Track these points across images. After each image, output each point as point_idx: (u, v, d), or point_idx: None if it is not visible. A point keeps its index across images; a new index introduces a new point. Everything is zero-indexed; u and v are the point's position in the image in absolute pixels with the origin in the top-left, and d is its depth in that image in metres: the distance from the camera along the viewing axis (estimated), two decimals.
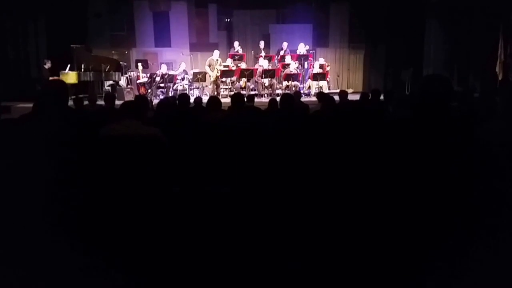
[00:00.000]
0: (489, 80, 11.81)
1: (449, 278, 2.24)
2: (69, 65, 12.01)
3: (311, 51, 14.71)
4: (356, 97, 9.07)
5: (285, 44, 14.08)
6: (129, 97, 11.64)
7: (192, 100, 7.47)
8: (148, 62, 13.78)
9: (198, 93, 12.57)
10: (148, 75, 13.10)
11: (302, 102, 8.25)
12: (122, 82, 12.93)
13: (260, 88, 12.79)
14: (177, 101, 6.25)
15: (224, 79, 12.82)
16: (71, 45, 12.31)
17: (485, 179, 2.29)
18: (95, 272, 2.63)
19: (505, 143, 2.56)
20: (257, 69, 12.90)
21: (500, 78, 11.63)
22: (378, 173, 2.61)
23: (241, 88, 12.58)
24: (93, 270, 2.62)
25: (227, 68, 12.87)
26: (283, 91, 12.19)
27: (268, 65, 13.19)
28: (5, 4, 11.90)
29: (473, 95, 6.65)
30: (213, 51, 13.24)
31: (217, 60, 12.89)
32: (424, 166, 2.34)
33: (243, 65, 13.22)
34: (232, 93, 11.10)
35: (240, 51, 13.86)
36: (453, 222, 2.25)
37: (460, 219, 2.24)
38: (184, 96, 6.41)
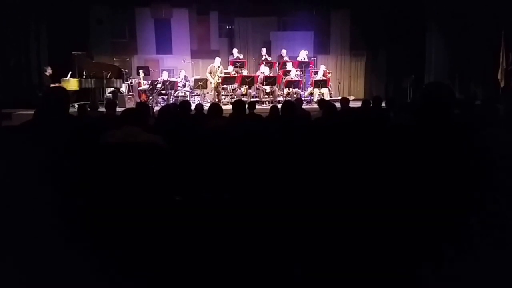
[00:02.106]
0: (491, 87, 11.80)
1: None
2: (70, 72, 12.03)
3: (312, 58, 14.74)
4: (358, 104, 9.09)
5: (284, 51, 14.13)
6: (130, 104, 11.66)
7: (193, 107, 7.48)
8: (150, 69, 13.81)
9: (199, 100, 12.58)
10: (149, 82, 13.12)
11: (303, 109, 8.26)
12: (124, 89, 12.95)
13: (262, 95, 12.80)
14: (178, 108, 6.26)
15: (225, 86, 12.85)
16: (73, 52, 12.34)
17: (486, 186, 2.28)
18: (96, 281, 2.62)
19: (507, 151, 2.55)
20: (258, 76, 12.92)
21: (502, 86, 11.62)
22: (380, 180, 2.59)
23: (242, 95, 12.58)
24: (93, 279, 2.61)
25: (228, 75, 12.90)
26: (284, 98, 12.21)
27: (270, 72, 13.21)
28: (7, 11, 11.94)
29: (474, 103, 6.64)
30: (214, 58, 13.28)
31: (218, 67, 12.92)
32: (426, 173, 2.33)
33: (244, 72, 13.25)
34: (233, 100, 11.11)
35: (240, 58, 13.90)
36: (454, 228, 2.24)
37: (461, 225, 2.23)
38: (185, 103, 6.42)
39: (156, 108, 9.85)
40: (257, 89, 12.90)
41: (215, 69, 12.85)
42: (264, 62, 13.65)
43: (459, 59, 13.09)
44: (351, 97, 13.17)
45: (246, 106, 6.16)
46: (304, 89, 13.66)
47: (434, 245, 2.25)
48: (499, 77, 11.72)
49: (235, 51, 14.08)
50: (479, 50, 12.25)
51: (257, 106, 8.73)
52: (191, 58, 15.03)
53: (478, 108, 6.03)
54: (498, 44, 11.70)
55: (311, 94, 13.30)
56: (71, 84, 11.69)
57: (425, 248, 2.27)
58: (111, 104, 7.46)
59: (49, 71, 11.93)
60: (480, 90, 12.21)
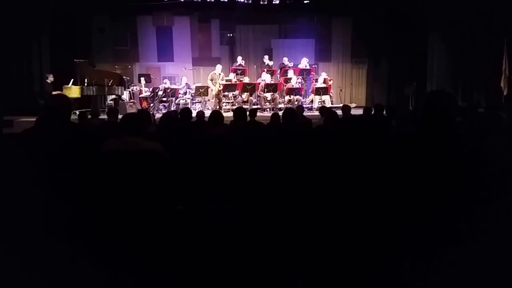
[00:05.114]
0: (494, 95, 11.77)
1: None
2: (72, 80, 12.06)
3: (313, 66, 14.76)
4: (359, 111, 9.08)
5: (285, 59, 14.19)
6: (132, 111, 11.65)
7: (194, 114, 7.47)
8: (151, 76, 13.85)
9: (200, 107, 12.60)
10: (151, 89, 13.17)
11: (304, 117, 8.24)
12: (125, 96, 12.97)
13: (263, 103, 12.81)
14: (179, 116, 6.26)
15: (226, 93, 12.86)
16: (75, 60, 12.38)
17: (489, 194, 2.26)
18: None
19: (510, 159, 2.53)
20: (259, 83, 12.94)
21: (505, 93, 11.59)
22: (382, 188, 2.58)
23: (243, 102, 12.59)
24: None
25: (229, 82, 12.92)
26: (285, 106, 12.21)
27: (271, 80, 13.23)
28: (9, 18, 11.98)
29: (477, 110, 6.62)
30: (215, 66, 13.31)
31: (219, 74, 12.94)
32: (429, 181, 2.32)
33: (245, 79, 13.27)
34: (234, 107, 11.11)
35: (242, 65, 13.95)
36: (456, 235, 2.22)
37: (463, 233, 2.21)
38: (186, 111, 6.42)
39: (157, 115, 9.87)
40: (258, 96, 12.91)
41: (216, 76, 12.88)
42: (265, 69, 13.69)
43: (461, 67, 13.08)
44: (353, 105, 13.17)
45: (247, 113, 6.15)
46: (305, 96, 13.66)
47: (436, 254, 2.24)
48: (501, 84, 11.70)
49: (239, 58, 14.17)
50: (482, 57, 12.24)
51: (258, 114, 8.71)
52: (193, 65, 15.09)
53: (481, 116, 6.01)
54: (500, 51, 11.69)
55: (312, 101, 13.30)
56: (73, 91, 11.71)
57: (427, 256, 2.25)
58: (113, 111, 7.47)
59: (50, 79, 11.95)
60: (483, 98, 12.19)
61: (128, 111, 11.38)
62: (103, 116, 9.16)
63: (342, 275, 2.71)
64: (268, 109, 12.61)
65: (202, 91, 12.58)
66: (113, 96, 12.66)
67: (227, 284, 2.81)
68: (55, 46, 13.25)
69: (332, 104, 13.08)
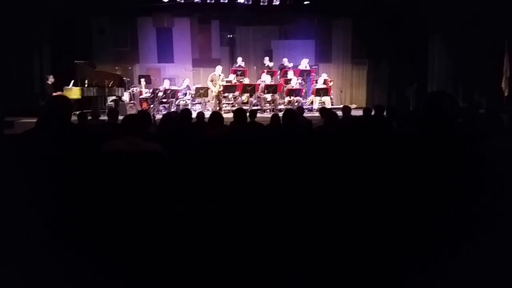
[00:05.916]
0: (495, 96, 11.75)
1: None
2: (72, 81, 12.07)
3: (313, 67, 14.75)
4: (360, 112, 9.07)
5: (285, 60, 14.20)
6: (132, 112, 11.65)
7: (194, 115, 7.48)
8: (151, 77, 13.85)
9: (200, 108, 12.59)
10: (151, 90, 13.17)
11: (304, 118, 8.24)
12: (125, 97, 12.97)
13: (263, 104, 12.81)
14: (179, 117, 6.26)
15: (226, 94, 12.86)
16: (75, 61, 12.39)
17: (490, 195, 2.26)
18: None
19: (510, 160, 2.53)
20: (259, 84, 12.94)
21: (506, 94, 11.58)
22: (383, 190, 2.57)
23: (243, 103, 12.58)
24: None
25: (229, 84, 12.92)
26: (285, 107, 12.21)
27: (271, 81, 13.23)
28: (10, 19, 11.99)
29: (478, 111, 6.61)
30: (215, 67, 13.31)
31: (219, 75, 12.93)
32: (429, 182, 2.31)
33: (245, 81, 13.27)
34: (234, 108, 11.11)
35: (242, 66, 13.95)
36: (457, 237, 2.22)
37: (464, 234, 2.21)
38: (186, 112, 6.42)
39: (158, 116, 9.87)
40: (258, 97, 12.91)
41: (216, 77, 12.87)
42: (265, 70, 13.69)
43: (462, 67, 13.07)
44: (353, 106, 13.14)
45: (247, 114, 6.15)
46: (305, 97, 13.65)
47: (437, 256, 2.23)
48: (502, 85, 11.69)
49: (239, 59, 14.15)
50: (483, 58, 12.21)
51: (258, 115, 8.72)
52: (193, 66, 15.10)
53: (482, 117, 6.01)
54: (501, 52, 11.67)
55: (312, 102, 13.29)
56: (73, 92, 11.72)
57: (427, 258, 2.25)
58: (113, 112, 7.47)
59: (51, 80, 11.95)
60: (484, 99, 12.17)
61: (128, 112, 11.41)
62: (104, 117, 9.16)
63: (342, 276, 2.71)
64: (268, 110, 12.62)
65: (202, 92, 12.58)
66: (114, 97, 12.66)
67: (227, 284, 2.81)
68: (55, 47, 13.28)
69: (332, 105, 13.06)
